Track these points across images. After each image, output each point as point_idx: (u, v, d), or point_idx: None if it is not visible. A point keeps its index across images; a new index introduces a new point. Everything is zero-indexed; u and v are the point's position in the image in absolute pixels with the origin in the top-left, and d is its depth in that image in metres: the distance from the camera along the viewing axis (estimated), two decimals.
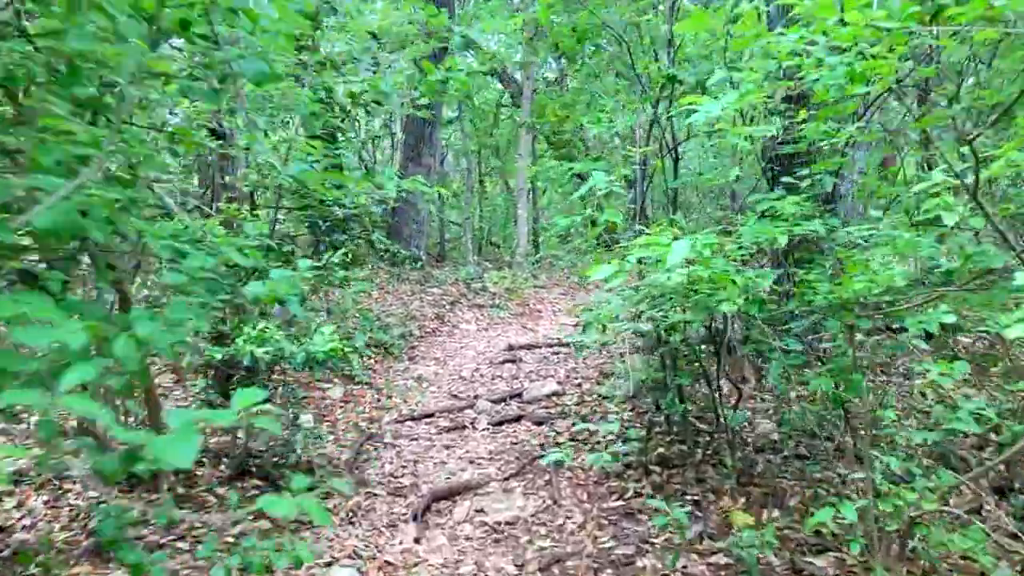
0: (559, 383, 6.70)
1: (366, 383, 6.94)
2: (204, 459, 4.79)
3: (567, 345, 8.28)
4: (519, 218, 12.09)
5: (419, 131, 12.61)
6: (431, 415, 6.15)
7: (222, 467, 4.71)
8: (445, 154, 16.69)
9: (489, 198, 16.92)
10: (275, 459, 4.86)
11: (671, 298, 3.54)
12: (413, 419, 6.08)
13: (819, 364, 3.97)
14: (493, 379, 7.20)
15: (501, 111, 16.18)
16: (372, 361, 7.65)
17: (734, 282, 2.89)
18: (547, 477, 4.77)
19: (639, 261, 3.02)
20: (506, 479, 4.84)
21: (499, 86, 17.93)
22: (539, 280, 11.82)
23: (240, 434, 4.81)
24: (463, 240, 10.82)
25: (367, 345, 7.90)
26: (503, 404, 6.38)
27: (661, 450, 4.85)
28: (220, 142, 5.82)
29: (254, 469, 4.72)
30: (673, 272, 2.87)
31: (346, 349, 4.42)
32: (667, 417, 5.08)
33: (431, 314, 9.55)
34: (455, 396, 6.66)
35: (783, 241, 2.93)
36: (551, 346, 8.26)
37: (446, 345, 8.56)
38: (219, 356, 3.72)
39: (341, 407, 6.34)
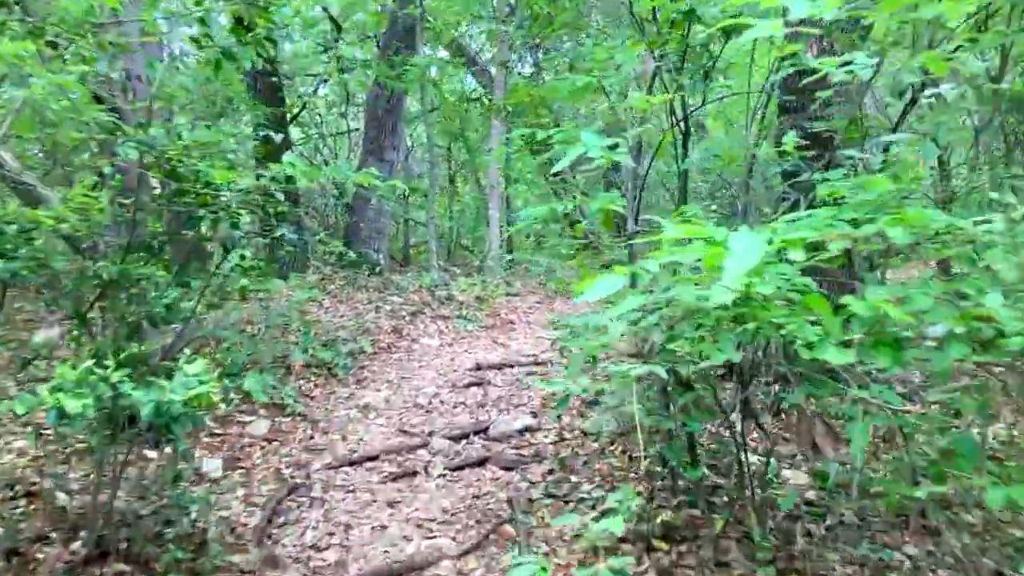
0: (533, 414, 5.53)
1: (299, 414, 5.73)
2: (50, 532, 3.56)
3: (544, 363, 7.13)
4: (491, 219, 10.93)
5: (381, 123, 11.41)
6: (374, 457, 4.96)
7: (76, 544, 3.49)
8: (411, 149, 15.48)
9: (459, 197, 15.76)
10: (156, 529, 3.65)
11: (703, 325, 2.39)
12: (352, 463, 4.88)
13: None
14: (455, 407, 6.02)
15: (472, 105, 15.04)
16: (311, 385, 6.44)
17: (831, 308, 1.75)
18: (516, 551, 3.61)
19: (667, 269, 1.87)
20: (463, 554, 3.67)
21: (470, 79, 16.80)
22: (512, 287, 10.66)
23: (104, 494, 3.58)
24: (429, 243, 9.62)
25: (306, 366, 6.69)
26: (465, 442, 5.20)
27: (666, 516, 3.70)
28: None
29: (122, 546, 3.49)
30: (723, 287, 1.72)
31: (222, 390, 3.21)
32: (672, 471, 3.93)
33: (388, 327, 8.35)
34: (406, 431, 5.46)
35: (902, 239, 1.77)
36: (525, 365, 7.09)
37: (402, 364, 7.35)
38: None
39: (263, 447, 5.13)
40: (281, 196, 3.58)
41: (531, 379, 6.54)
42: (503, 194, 11.57)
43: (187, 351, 3.09)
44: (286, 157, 3.61)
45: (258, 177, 3.24)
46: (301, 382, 6.45)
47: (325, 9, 13.40)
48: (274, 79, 10.77)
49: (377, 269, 10.28)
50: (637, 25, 4.27)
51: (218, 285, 4.00)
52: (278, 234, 3.71)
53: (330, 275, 10.52)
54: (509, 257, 11.87)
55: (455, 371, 7.08)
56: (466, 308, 9.24)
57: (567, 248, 16.69)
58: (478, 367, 7.10)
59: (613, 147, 2.61)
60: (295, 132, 17.43)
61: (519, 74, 15.35)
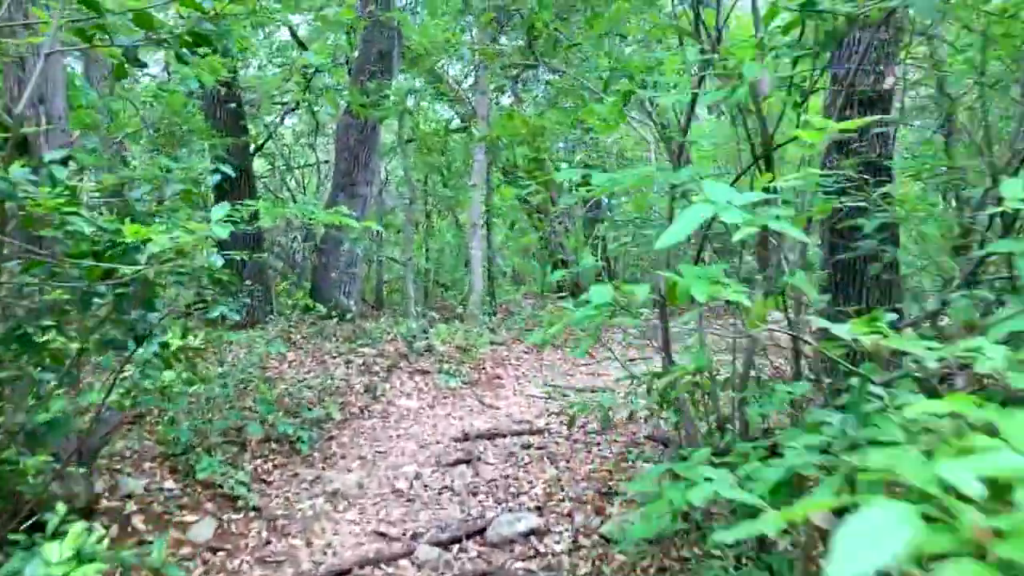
0: (539, 509, 4.58)
1: (254, 508, 4.72)
2: None
3: (542, 432, 6.20)
4: (472, 258, 10.02)
5: (353, 155, 10.51)
6: (346, 572, 3.97)
7: None
8: (385, 183, 14.56)
9: (436, 235, 14.87)
10: None
11: None
12: None
13: None
14: (441, 494, 5.05)
15: (452, 136, 14.23)
16: (269, 465, 5.43)
17: None
18: None
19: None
20: None
21: (444, 108, 16.00)
22: (497, 335, 9.73)
23: None
24: (405, 285, 8.68)
25: (264, 440, 5.69)
26: (457, 548, 4.23)
27: None
28: None
29: None
30: None
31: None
32: None
33: (359, 385, 7.36)
34: (383, 533, 4.48)
35: None
36: (520, 434, 6.16)
37: (377, 433, 6.37)
38: None
39: (207, 560, 4.11)
40: (219, 262, 2.65)
41: (529, 456, 5.61)
42: (484, 232, 10.68)
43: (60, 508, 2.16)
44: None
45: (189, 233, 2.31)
46: (258, 461, 5.44)
47: (292, 32, 12.54)
48: (235, 106, 9.83)
49: (348, 316, 9.29)
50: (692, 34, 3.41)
51: (131, 383, 3.05)
52: (214, 314, 2.77)
53: (296, 322, 9.53)
54: (492, 305, 10.95)
55: (439, 442, 6.12)
56: (448, 361, 8.29)
57: (543, 286, 15.86)
58: (465, 437, 6.16)
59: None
60: (260, 164, 16.50)
61: (497, 104, 14.59)
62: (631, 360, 9.39)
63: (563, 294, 14.91)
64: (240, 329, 9.25)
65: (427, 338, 8.68)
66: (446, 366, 8.06)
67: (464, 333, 9.06)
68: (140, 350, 2.53)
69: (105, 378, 3.01)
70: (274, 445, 5.69)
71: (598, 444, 5.66)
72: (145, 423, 5.84)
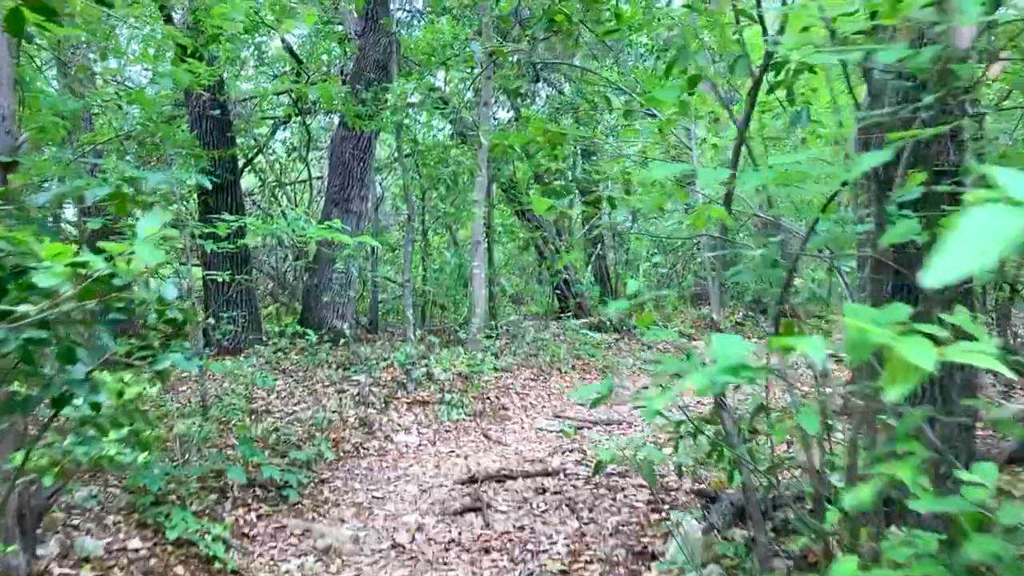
0: (563, 574, 3.96)
1: (232, 573, 4.08)
2: None
3: (557, 473, 5.59)
4: (474, 278, 9.41)
5: (348, 169, 9.94)
6: None
7: None
8: (380, 199, 13.99)
9: (435, 253, 14.27)
10: None
11: None
12: None
13: None
14: (447, 551, 4.42)
15: (451, 151, 13.69)
16: (253, 516, 4.80)
17: None
18: None
19: None
20: None
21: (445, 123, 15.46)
22: (501, 360, 9.11)
23: None
24: (403, 306, 8.08)
25: (247, 486, 5.05)
26: None
27: None
28: None
29: None
30: None
31: None
32: None
33: (354, 418, 6.74)
34: None
35: None
36: (533, 475, 5.54)
37: (374, 475, 5.74)
38: None
39: None
40: (172, 293, 2.06)
41: (545, 503, 4.99)
42: (486, 250, 10.09)
43: None
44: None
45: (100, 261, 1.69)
46: (240, 511, 4.81)
47: (285, 44, 11.99)
48: (219, 113, 9.25)
49: (341, 340, 8.67)
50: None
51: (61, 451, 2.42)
52: (163, 365, 2.16)
53: (286, 347, 8.90)
54: (495, 327, 10.34)
55: (442, 485, 5.49)
56: (449, 390, 7.67)
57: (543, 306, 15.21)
58: (472, 478, 5.53)
59: None
60: (251, 180, 15.92)
61: (495, 119, 14.04)
62: (645, 388, 8.78)
63: (566, 314, 14.33)
64: (225, 356, 8.63)
65: (427, 365, 8.06)
66: (448, 396, 7.44)
67: (466, 359, 8.45)
68: (70, 409, 1.94)
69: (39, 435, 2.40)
70: (259, 492, 5.06)
71: (623, 489, 5.04)
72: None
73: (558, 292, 14.82)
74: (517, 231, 14.80)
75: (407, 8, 14.52)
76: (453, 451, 6.33)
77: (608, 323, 12.88)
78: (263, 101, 14.06)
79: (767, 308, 15.73)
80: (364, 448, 6.22)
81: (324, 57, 13.86)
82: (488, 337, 9.90)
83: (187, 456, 5.21)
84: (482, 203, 9.57)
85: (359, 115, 8.60)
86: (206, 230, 6.10)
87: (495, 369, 8.73)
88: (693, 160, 4.16)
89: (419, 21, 14.78)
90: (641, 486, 5.04)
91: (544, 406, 7.87)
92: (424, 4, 13.90)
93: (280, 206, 13.95)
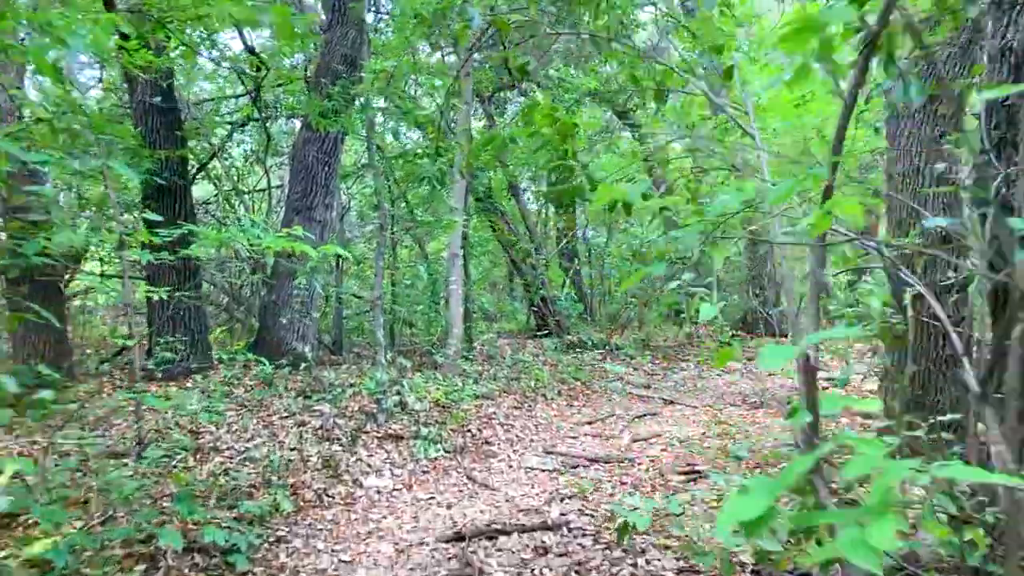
0: None
1: None
2: None
3: (559, 527, 4.71)
4: (451, 295, 8.55)
5: (311, 175, 9.02)
6: None
7: None
8: (347, 208, 13.05)
9: (401, 267, 13.36)
10: None
11: None
12: None
13: None
14: None
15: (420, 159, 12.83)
16: None
17: None
18: None
19: None
20: None
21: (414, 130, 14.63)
22: (481, 385, 8.24)
23: None
24: (372, 325, 7.18)
25: (186, 550, 4.11)
26: None
27: None
28: None
29: None
30: None
31: None
32: None
33: (317, 458, 5.81)
34: None
35: None
36: (531, 530, 4.67)
37: (340, 529, 4.82)
38: None
39: None
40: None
41: (549, 569, 4.11)
42: (462, 265, 9.21)
43: None
44: None
45: None
46: None
47: (244, 41, 11.03)
48: (169, 108, 8.29)
49: (302, 364, 7.72)
50: None
51: None
52: None
53: (240, 372, 7.94)
54: (471, 347, 9.47)
55: (423, 542, 4.59)
56: (426, 422, 6.77)
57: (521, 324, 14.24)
58: (458, 535, 4.64)
59: None
60: (206, 188, 14.87)
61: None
62: (640, 417, 7.99)
63: (543, 332, 13.51)
64: (169, 382, 7.64)
65: (399, 392, 7.15)
66: (424, 430, 6.53)
67: (444, 386, 7.56)
68: None
69: None
70: (199, 558, 4.11)
71: (644, 552, 4.19)
72: (16, 525, 4.24)
73: (534, 309, 14.00)
74: (491, 243, 13.97)
75: (373, 7, 13.67)
76: (433, 497, 5.43)
77: (589, 342, 12.09)
78: (219, 104, 13.09)
79: (754, 324, 15.16)
80: (328, 495, 5.29)
81: (287, 60, 12.96)
82: (465, 359, 9.02)
83: (111, 513, 4.26)
84: (461, 212, 8.73)
85: (324, 114, 7.71)
86: (143, 239, 5.18)
87: (474, 395, 7.86)
88: (756, 141, 3.35)
89: (388, 28, 13.95)
90: (665, 547, 4.20)
91: (532, 439, 7.00)
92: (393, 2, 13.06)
93: (238, 217, 12.90)
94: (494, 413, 7.52)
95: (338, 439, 6.28)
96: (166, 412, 6.20)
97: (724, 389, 9.86)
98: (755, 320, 13.74)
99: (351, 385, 7.68)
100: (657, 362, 11.56)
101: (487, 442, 6.76)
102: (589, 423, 7.67)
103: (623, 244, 13.11)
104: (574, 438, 7.08)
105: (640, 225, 14.71)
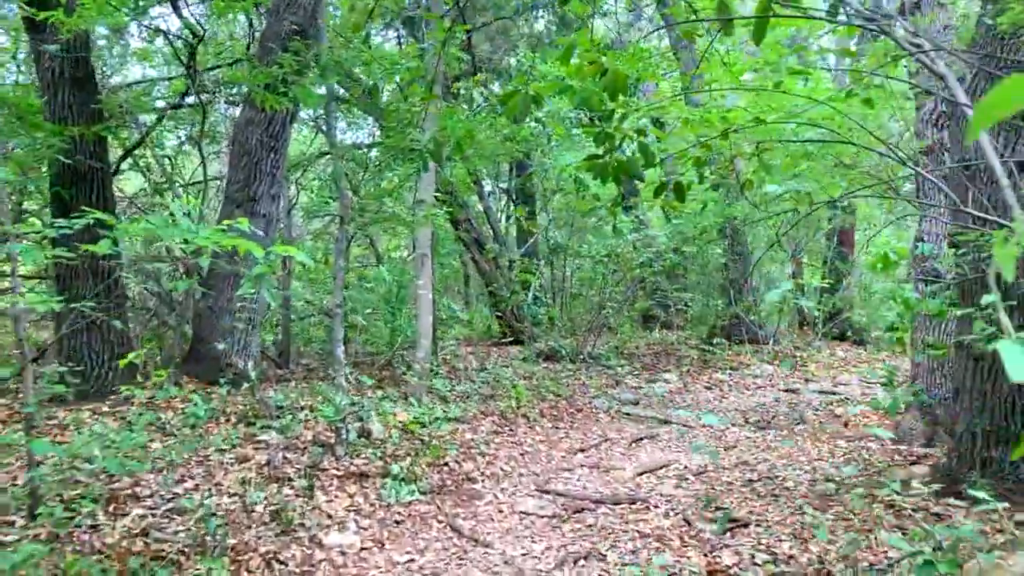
0: None
1: None
2: None
3: None
4: (420, 300, 7.42)
5: (254, 161, 7.79)
6: None
7: None
8: (294, 201, 11.77)
9: (355, 267, 12.18)
10: None
11: None
12: None
13: None
14: None
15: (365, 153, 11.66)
16: None
17: None
18: None
19: None
20: None
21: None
22: (454, 406, 7.15)
23: None
24: (331, 342, 6.04)
25: None
26: None
27: None
28: None
29: None
30: None
31: None
32: None
33: (263, 506, 4.66)
34: None
35: None
36: None
37: None
38: None
39: None
40: None
41: None
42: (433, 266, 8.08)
43: None
44: None
45: None
46: None
47: (177, 10, 9.68)
48: (85, 80, 7.01)
49: (244, 384, 6.53)
50: None
51: None
52: None
53: (170, 393, 6.69)
54: (437, 361, 8.38)
55: None
56: (395, 454, 5.66)
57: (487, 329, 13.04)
58: None
59: None
60: (135, 183, 13.43)
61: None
62: (637, 441, 7.00)
63: (509, 340, 12.47)
64: (82, 404, 6.36)
65: (362, 418, 6.02)
66: (395, 466, 5.42)
67: (414, 408, 6.46)
68: None
69: None
70: None
71: None
72: None
73: (499, 315, 12.94)
74: (449, 242, 12.83)
75: None
76: (413, 559, 4.33)
77: (562, 350, 11.09)
78: (152, 87, 11.69)
79: (732, 330, 14.32)
80: (280, 562, 4.14)
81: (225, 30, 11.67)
82: (434, 373, 7.92)
83: None
84: (425, 206, 7.62)
85: (271, 87, 6.54)
86: (37, 232, 3.98)
87: (448, 418, 6.77)
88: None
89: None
90: None
91: (521, 473, 5.94)
92: None
93: (171, 213, 11.40)
94: (472, 440, 6.43)
95: (289, 480, 5.13)
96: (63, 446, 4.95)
97: (715, 404, 8.96)
98: (733, 325, 12.91)
99: (303, 408, 6.51)
100: (637, 372, 10.61)
101: (469, 478, 5.67)
102: (582, 450, 6.65)
103: (594, 245, 12.11)
104: (568, 471, 6.05)
105: (611, 223, 13.70)
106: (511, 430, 7.02)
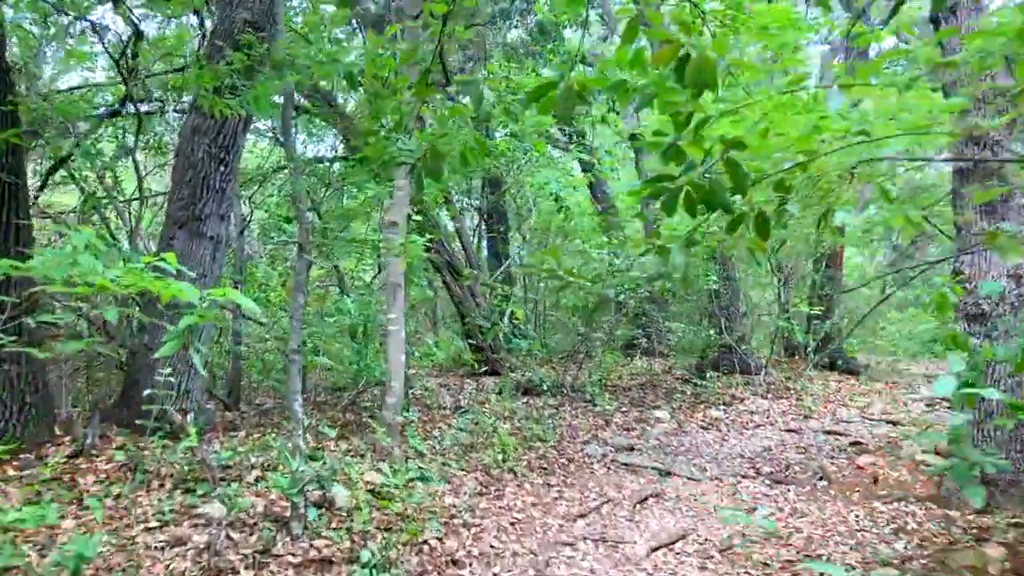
0: None
1: None
2: None
3: None
4: (391, 337, 6.45)
5: (202, 175, 6.79)
6: None
7: None
8: (247, 219, 10.72)
9: (317, 291, 11.16)
10: None
11: None
12: None
13: None
14: None
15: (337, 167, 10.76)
16: None
17: None
18: None
19: None
20: None
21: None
22: (431, 463, 6.18)
23: None
24: (288, 396, 5.03)
25: None
26: None
27: None
28: None
29: None
30: None
31: None
32: None
33: None
34: None
35: None
36: None
37: None
38: None
39: None
40: None
41: None
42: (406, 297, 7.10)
43: None
44: None
45: None
46: None
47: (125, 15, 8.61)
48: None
49: (188, 436, 5.48)
50: None
51: None
52: None
53: (97, 442, 5.67)
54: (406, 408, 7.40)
55: None
56: (365, 533, 4.68)
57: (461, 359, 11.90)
58: None
59: None
60: (72, 197, 12.21)
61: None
62: (642, 502, 6.11)
63: (483, 371, 11.51)
64: None
65: (323, 484, 5.02)
66: (365, 551, 4.44)
67: (385, 469, 5.49)
68: None
69: None
70: None
71: None
72: None
73: (472, 343, 11.98)
74: (423, 265, 11.85)
75: None
76: None
77: (542, 384, 10.17)
78: (94, 94, 10.58)
79: (719, 361, 13.53)
80: None
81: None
82: (407, 420, 6.95)
83: None
84: (402, 228, 6.68)
85: (219, 90, 5.57)
86: None
87: (422, 479, 5.80)
88: None
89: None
90: None
91: (515, 554, 4.99)
92: None
93: (111, 234, 10.21)
94: (455, 507, 5.47)
95: (234, 572, 4.12)
96: None
97: (716, 448, 8.11)
98: (722, 355, 12.13)
99: (252, 467, 5.51)
100: (625, 409, 9.74)
101: (454, 561, 4.71)
102: (582, 516, 5.72)
103: (574, 268, 11.22)
104: (570, 546, 5.11)
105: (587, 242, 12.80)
106: (498, 490, 6.07)
